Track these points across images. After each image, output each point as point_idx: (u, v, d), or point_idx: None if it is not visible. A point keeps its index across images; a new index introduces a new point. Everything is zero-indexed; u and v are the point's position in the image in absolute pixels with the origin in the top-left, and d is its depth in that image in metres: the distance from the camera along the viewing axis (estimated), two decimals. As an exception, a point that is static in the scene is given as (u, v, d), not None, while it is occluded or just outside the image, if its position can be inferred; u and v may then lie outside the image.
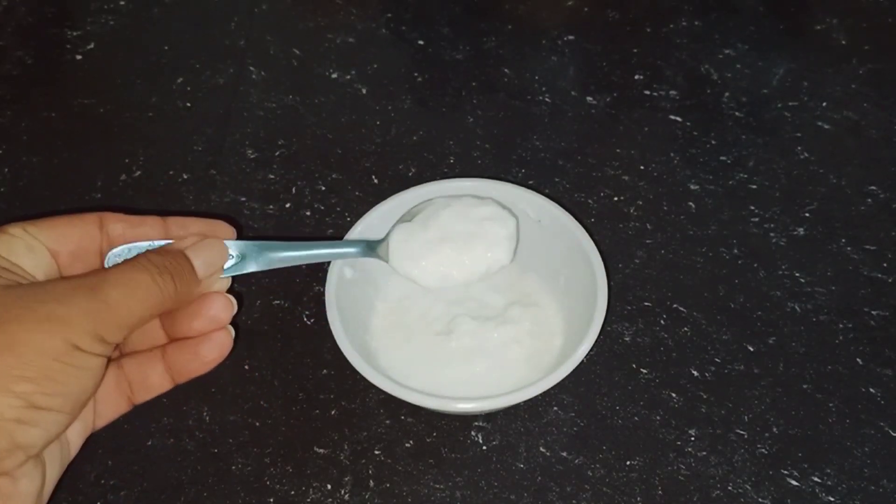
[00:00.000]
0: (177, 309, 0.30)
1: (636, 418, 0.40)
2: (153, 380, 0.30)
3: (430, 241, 0.36)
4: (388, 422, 0.40)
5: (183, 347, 0.30)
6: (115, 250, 0.30)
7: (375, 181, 0.50)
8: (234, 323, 0.32)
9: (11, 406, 0.23)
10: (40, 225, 0.28)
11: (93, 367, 0.25)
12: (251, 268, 0.32)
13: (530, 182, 0.50)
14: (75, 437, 0.29)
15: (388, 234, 0.37)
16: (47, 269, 0.28)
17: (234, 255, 0.31)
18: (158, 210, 0.32)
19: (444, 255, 0.35)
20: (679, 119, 0.54)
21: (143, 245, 0.30)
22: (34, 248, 0.28)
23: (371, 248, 0.36)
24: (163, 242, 0.31)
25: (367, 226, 0.39)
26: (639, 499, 0.37)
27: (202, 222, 0.32)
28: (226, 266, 0.31)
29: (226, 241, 0.31)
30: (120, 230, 0.30)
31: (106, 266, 0.30)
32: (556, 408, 0.40)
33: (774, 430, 0.39)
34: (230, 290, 0.32)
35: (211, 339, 0.30)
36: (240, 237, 0.33)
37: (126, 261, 0.28)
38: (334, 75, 0.57)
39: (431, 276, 0.36)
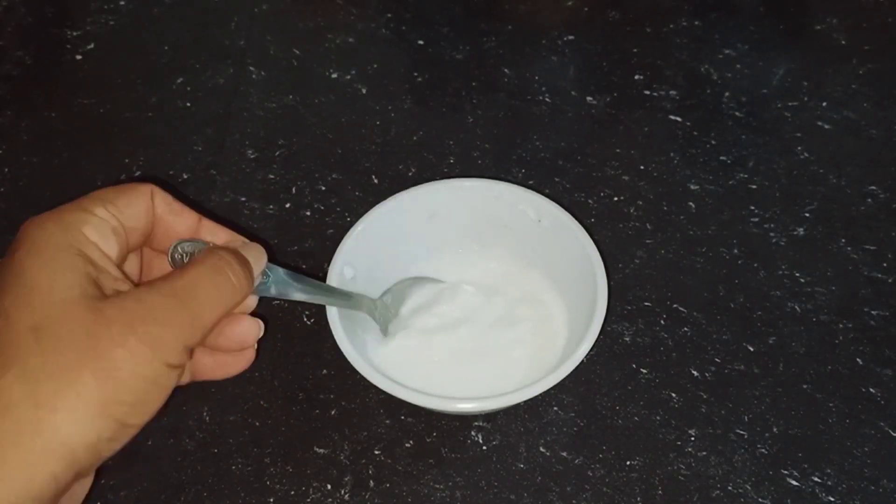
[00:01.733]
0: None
1: (636, 418, 0.40)
2: None
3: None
4: (388, 422, 0.40)
5: (210, 354, 0.31)
6: (179, 244, 0.30)
7: (375, 181, 0.50)
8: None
9: (109, 429, 0.24)
10: (117, 203, 0.28)
11: (176, 379, 0.26)
12: (272, 292, 0.32)
13: (530, 182, 0.50)
14: None
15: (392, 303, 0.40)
16: (125, 251, 0.28)
17: (268, 274, 0.32)
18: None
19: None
20: (679, 119, 0.54)
21: (202, 245, 0.30)
22: (118, 231, 0.28)
23: (375, 306, 0.39)
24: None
25: (367, 226, 0.39)
26: (639, 499, 0.37)
27: (231, 234, 0.32)
28: (260, 287, 0.31)
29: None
30: (161, 210, 0.30)
31: (170, 258, 0.30)
32: (556, 408, 0.40)
33: (774, 430, 0.39)
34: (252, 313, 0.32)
35: (237, 356, 0.31)
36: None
37: (204, 263, 0.28)
38: (334, 75, 0.57)
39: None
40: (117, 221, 0.28)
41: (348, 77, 0.57)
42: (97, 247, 0.27)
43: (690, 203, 0.49)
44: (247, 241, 0.32)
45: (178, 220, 0.30)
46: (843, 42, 0.58)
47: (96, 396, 0.23)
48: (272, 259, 0.32)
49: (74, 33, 0.60)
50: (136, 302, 0.25)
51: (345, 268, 0.38)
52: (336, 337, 0.35)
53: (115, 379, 0.24)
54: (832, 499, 0.37)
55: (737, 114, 0.54)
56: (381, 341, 0.40)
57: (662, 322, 0.43)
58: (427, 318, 0.40)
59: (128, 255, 0.29)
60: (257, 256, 0.30)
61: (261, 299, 0.32)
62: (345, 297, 0.37)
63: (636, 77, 0.56)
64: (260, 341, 0.31)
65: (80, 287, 0.25)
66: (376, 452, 0.39)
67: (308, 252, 0.46)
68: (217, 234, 0.32)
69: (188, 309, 0.26)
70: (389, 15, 0.62)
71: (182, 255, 0.30)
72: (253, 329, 0.31)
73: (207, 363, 0.31)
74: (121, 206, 0.28)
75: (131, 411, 0.24)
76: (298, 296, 0.34)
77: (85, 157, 0.52)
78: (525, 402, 0.38)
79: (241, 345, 0.31)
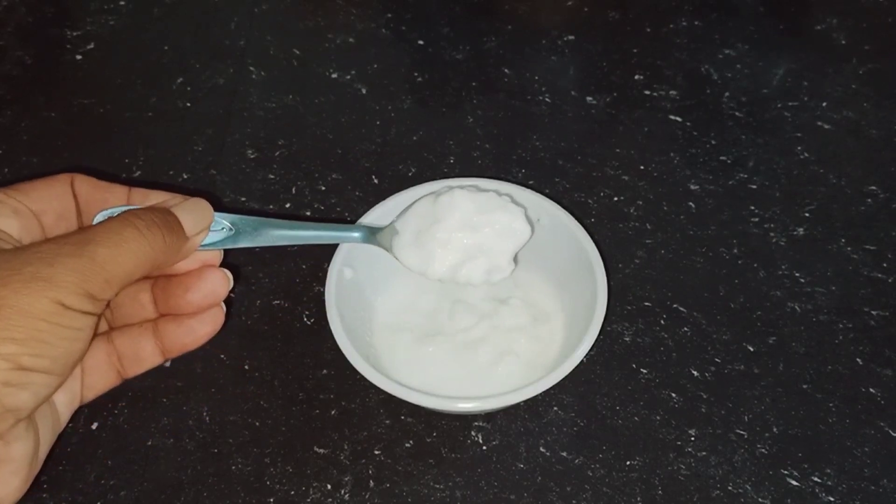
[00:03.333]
0: (166, 266, 0.29)
1: (636, 418, 0.40)
2: (144, 353, 0.30)
3: (438, 242, 0.36)
4: (388, 422, 0.40)
5: (176, 321, 0.30)
6: (104, 212, 0.29)
7: (375, 181, 0.50)
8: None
9: (15, 381, 0.23)
10: (21, 188, 0.28)
11: (81, 327, 0.25)
12: (245, 242, 0.31)
13: (530, 182, 0.50)
14: (63, 408, 0.28)
15: (393, 223, 0.37)
16: (34, 232, 0.28)
17: (228, 226, 0.31)
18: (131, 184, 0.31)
19: (448, 259, 0.36)
20: (679, 119, 0.54)
21: (133, 209, 0.29)
22: (20, 211, 0.27)
23: (373, 234, 0.36)
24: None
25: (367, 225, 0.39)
26: (639, 499, 0.37)
27: (166, 195, 0.31)
28: (219, 238, 0.30)
29: (220, 213, 0.31)
30: (86, 192, 0.30)
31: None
32: (556, 408, 0.40)
33: (774, 430, 0.39)
34: (224, 265, 0.31)
35: (204, 313, 0.30)
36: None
37: (111, 217, 0.27)
38: (334, 75, 0.57)
39: (432, 273, 0.36)
40: (20, 204, 0.28)
41: (348, 77, 0.57)
42: None
43: (690, 203, 0.49)
44: (186, 198, 0.30)
45: (107, 196, 0.30)
46: (843, 42, 0.58)
47: None
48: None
49: (74, 33, 0.60)
50: (29, 248, 0.25)
51: (344, 268, 0.38)
52: (336, 337, 0.35)
53: (0, 316, 0.23)
54: (832, 499, 0.37)
55: (737, 114, 0.54)
56: (381, 339, 0.40)
57: (662, 322, 0.43)
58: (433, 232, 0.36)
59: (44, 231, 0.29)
60: (196, 211, 0.29)
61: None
62: (333, 229, 0.35)
63: (636, 77, 0.56)
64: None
65: None
66: (376, 452, 0.39)
67: (308, 252, 0.46)
68: (149, 197, 0.31)
69: (85, 257, 0.25)
70: (389, 15, 0.62)
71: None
72: (220, 281, 0.30)
73: (174, 331, 0.30)
74: (26, 191, 0.28)
75: (24, 350, 0.23)
76: (279, 240, 0.32)
77: (85, 157, 0.52)
78: (525, 402, 0.38)
79: (212, 296, 0.30)
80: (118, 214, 0.27)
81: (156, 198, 0.31)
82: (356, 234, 0.36)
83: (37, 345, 0.23)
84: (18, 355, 0.23)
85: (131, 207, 0.29)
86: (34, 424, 0.25)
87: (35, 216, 0.28)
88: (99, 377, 0.30)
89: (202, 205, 0.30)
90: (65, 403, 0.28)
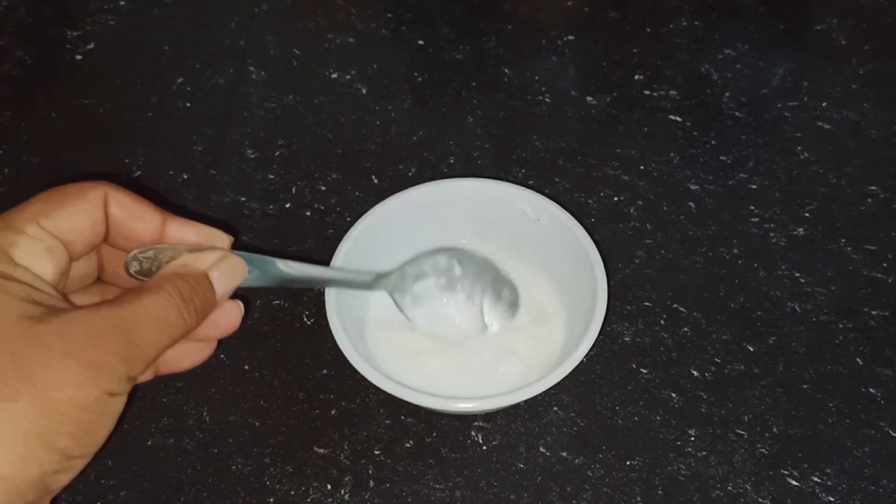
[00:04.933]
0: None
1: (636, 418, 0.40)
2: None
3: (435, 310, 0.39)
4: (388, 422, 0.40)
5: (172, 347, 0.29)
6: (137, 253, 0.28)
7: (375, 181, 0.50)
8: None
9: (53, 461, 0.23)
10: (54, 217, 0.26)
11: (120, 408, 0.25)
12: (257, 283, 0.31)
13: (530, 182, 0.50)
14: None
15: (400, 274, 0.39)
16: (63, 268, 0.27)
17: (250, 269, 0.31)
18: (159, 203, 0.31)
19: (440, 321, 0.39)
20: (679, 119, 0.54)
21: (167, 249, 0.29)
22: (54, 249, 0.26)
23: (379, 280, 0.38)
24: (183, 247, 0.29)
25: (367, 226, 0.39)
26: (639, 499, 0.37)
27: (200, 229, 0.30)
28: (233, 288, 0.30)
29: (239, 252, 0.30)
30: (118, 214, 0.28)
31: (127, 267, 0.28)
32: (556, 408, 0.40)
33: (774, 430, 0.39)
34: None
35: (200, 342, 0.30)
36: (238, 242, 0.32)
37: (154, 288, 0.26)
38: (334, 75, 0.57)
39: (421, 324, 0.39)
40: (52, 239, 0.26)
41: (348, 77, 0.57)
42: (28, 270, 0.25)
43: (690, 203, 0.49)
44: (223, 252, 0.30)
45: (139, 226, 0.29)
46: (843, 42, 0.58)
47: (34, 428, 0.22)
48: (263, 251, 0.31)
49: (74, 33, 0.60)
50: (77, 326, 0.24)
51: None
52: (336, 337, 0.35)
53: (52, 408, 0.22)
54: (832, 499, 0.37)
55: (737, 114, 0.54)
56: (381, 339, 0.40)
57: (662, 322, 0.43)
58: (445, 290, 0.39)
59: (71, 264, 0.28)
60: (231, 270, 0.29)
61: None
62: (353, 277, 0.36)
63: (636, 77, 0.56)
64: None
65: (11, 310, 0.23)
66: (376, 452, 0.39)
67: (308, 252, 0.46)
68: (186, 231, 0.30)
69: (133, 343, 0.24)
70: (389, 15, 0.62)
71: (142, 264, 0.28)
72: (236, 314, 0.30)
73: (172, 356, 0.30)
74: (58, 220, 0.26)
75: (75, 443, 0.23)
76: (298, 284, 0.33)
77: (85, 157, 0.52)
78: (525, 402, 0.38)
79: (226, 331, 0.30)
80: (160, 282, 0.27)
81: (192, 232, 0.30)
82: (365, 280, 0.37)
83: (86, 436, 0.24)
84: (70, 448, 0.23)
85: (163, 248, 0.29)
86: None
87: (67, 247, 0.27)
88: None
89: (237, 267, 0.29)
90: None
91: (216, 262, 0.29)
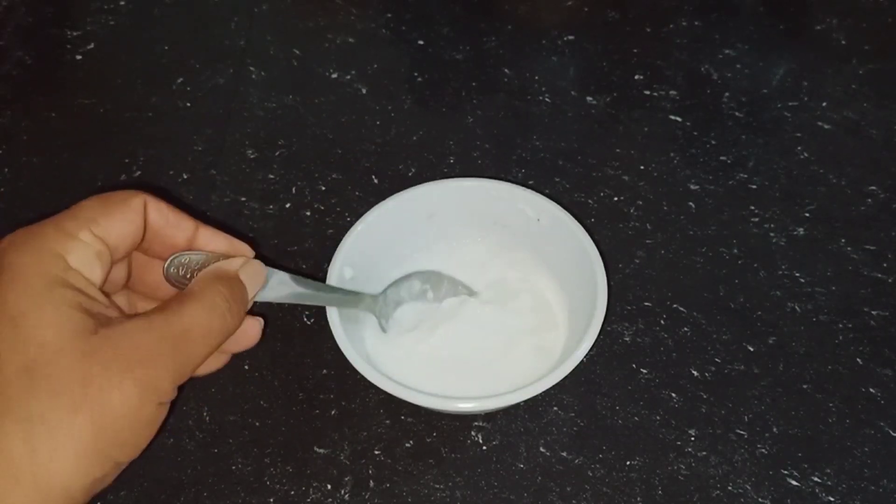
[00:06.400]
0: None
1: (636, 418, 0.40)
2: None
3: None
4: (388, 422, 0.40)
5: None
6: (174, 258, 0.30)
7: (375, 181, 0.50)
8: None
9: (103, 470, 0.24)
10: (103, 223, 0.27)
11: (164, 413, 0.26)
12: (270, 296, 0.32)
13: (530, 182, 0.50)
14: None
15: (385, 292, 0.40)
16: (107, 271, 0.28)
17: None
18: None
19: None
20: (679, 119, 0.54)
21: (199, 257, 0.30)
22: (102, 255, 0.27)
23: (377, 302, 0.39)
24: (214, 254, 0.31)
25: (367, 226, 0.39)
26: (639, 499, 0.37)
27: (228, 238, 0.32)
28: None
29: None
30: (156, 222, 0.29)
31: (165, 272, 0.29)
32: (556, 408, 0.40)
33: (774, 430, 0.39)
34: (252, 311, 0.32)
35: (215, 356, 0.31)
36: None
37: (198, 295, 0.27)
38: (334, 75, 0.57)
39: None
40: (102, 244, 0.27)
41: (348, 77, 0.57)
42: (81, 275, 0.26)
43: (690, 203, 0.49)
44: (246, 258, 0.31)
45: (175, 231, 0.30)
46: (843, 42, 0.58)
47: (93, 442, 0.23)
48: (269, 262, 0.32)
49: (74, 33, 0.60)
50: (129, 341, 0.25)
51: (344, 268, 0.38)
52: (336, 337, 0.35)
53: (110, 423, 0.24)
54: (832, 499, 0.37)
55: (737, 114, 0.54)
56: (381, 339, 0.40)
57: (662, 322, 0.43)
58: (423, 313, 0.41)
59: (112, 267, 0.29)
60: (255, 275, 0.30)
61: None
62: (345, 296, 0.37)
63: (636, 77, 0.56)
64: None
65: (69, 321, 0.24)
66: (376, 452, 0.39)
67: (308, 252, 0.46)
68: (215, 241, 0.31)
69: (183, 353, 0.26)
70: (389, 15, 0.62)
71: (178, 269, 0.30)
72: (257, 328, 0.31)
73: None
74: (107, 227, 0.27)
75: (123, 451, 0.25)
76: (297, 298, 0.34)
77: (85, 157, 0.52)
78: (525, 402, 0.38)
79: (248, 344, 0.31)
80: (203, 289, 0.28)
81: (222, 241, 0.31)
82: (368, 302, 0.38)
83: (135, 446, 0.25)
84: (120, 455, 0.24)
85: (198, 254, 0.30)
86: None
87: (111, 251, 0.28)
88: None
89: (260, 271, 0.31)
90: None
91: (242, 265, 0.30)
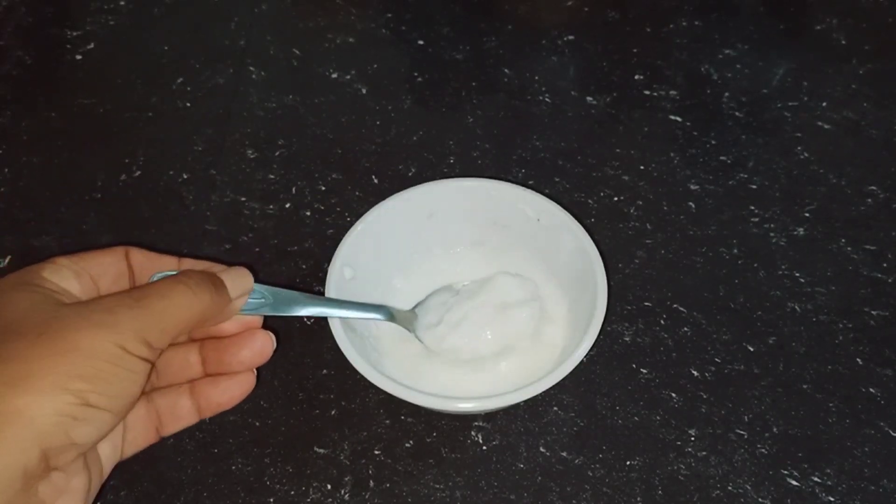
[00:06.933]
0: (211, 324, 0.31)
1: (636, 418, 0.40)
2: (182, 411, 0.32)
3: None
4: (388, 422, 0.40)
5: (213, 382, 0.32)
6: (158, 274, 0.31)
7: (375, 181, 0.50)
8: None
9: (68, 403, 0.24)
10: (80, 257, 0.30)
11: (138, 371, 0.27)
12: (281, 312, 0.34)
13: (530, 182, 0.50)
14: (107, 461, 0.30)
15: (414, 309, 0.40)
16: (91, 292, 0.30)
17: (267, 296, 0.33)
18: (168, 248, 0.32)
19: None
20: (679, 119, 0.54)
21: (184, 270, 0.32)
22: (80, 274, 0.29)
23: (394, 315, 0.38)
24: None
25: (367, 226, 0.39)
26: (639, 499, 0.37)
27: (214, 266, 0.33)
28: (259, 305, 0.33)
29: (259, 284, 0.33)
30: (139, 262, 0.32)
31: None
32: (556, 408, 0.40)
33: (774, 430, 0.39)
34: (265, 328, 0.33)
35: (238, 377, 0.32)
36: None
37: (165, 277, 0.30)
38: (334, 75, 0.57)
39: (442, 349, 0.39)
40: (81, 268, 0.29)
41: (348, 77, 0.57)
42: (56, 284, 0.28)
43: (690, 203, 0.49)
44: (231, 267, 0.33)
45: (158, 265, 0.32)
46: (843, 42, 0.58)
47: (52, 370, 0.24)
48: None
49: (74, 33, 0.60)
50: (94, 302, 0.27)
51: (344, 268, 0.38)
52: (336, 337, 0.35)
53: (69, 355, 0.25)
54: (832, 499, 0.37)
55: (737, 114, 0.54)
56: (385, 339, 0.40)
57: (662, 322, 0.43)
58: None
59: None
60: (238, 278, 0.32)
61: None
62: (355, 308, 0.36)
63: (636, 77, 0.56)
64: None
65: (40, 296, 0.27)
66: (376, 452, 0.39)
67: (308, 252, 0.46)
68: (197, 267, 0.33)
69: (143, 308, 0.27)
70: (389, 15, 0.62)
71: None
72: (267, 341, 0.33)
73: (211, 391, 0.32)
74: (85, 259, 0.30)
75: (90, 388, 0.25)
76: (304, 312, 0.34)
77: (85, 157, 0.52)
78: (525, 402, 0.38)
79: (258, 358, 0.32)
80: (171, 275, 0.30)
81: (203, 267, 0.33)
82: (378, 316, 0.38)
83: (101, 384, 0.25)
84: (85, 392, 0.25)
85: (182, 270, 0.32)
86: (88, 466, 0.27)
87: (93, 280, 0.30)
88: (139, 433, 0.32)
89: (244, 272, 0.32)
90: (108, 456, 0.30)
91: (224, 269, 0.32)
